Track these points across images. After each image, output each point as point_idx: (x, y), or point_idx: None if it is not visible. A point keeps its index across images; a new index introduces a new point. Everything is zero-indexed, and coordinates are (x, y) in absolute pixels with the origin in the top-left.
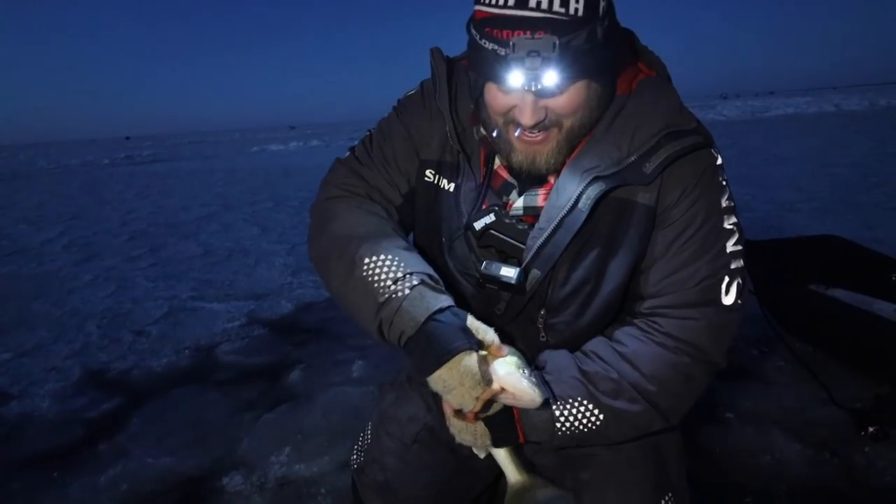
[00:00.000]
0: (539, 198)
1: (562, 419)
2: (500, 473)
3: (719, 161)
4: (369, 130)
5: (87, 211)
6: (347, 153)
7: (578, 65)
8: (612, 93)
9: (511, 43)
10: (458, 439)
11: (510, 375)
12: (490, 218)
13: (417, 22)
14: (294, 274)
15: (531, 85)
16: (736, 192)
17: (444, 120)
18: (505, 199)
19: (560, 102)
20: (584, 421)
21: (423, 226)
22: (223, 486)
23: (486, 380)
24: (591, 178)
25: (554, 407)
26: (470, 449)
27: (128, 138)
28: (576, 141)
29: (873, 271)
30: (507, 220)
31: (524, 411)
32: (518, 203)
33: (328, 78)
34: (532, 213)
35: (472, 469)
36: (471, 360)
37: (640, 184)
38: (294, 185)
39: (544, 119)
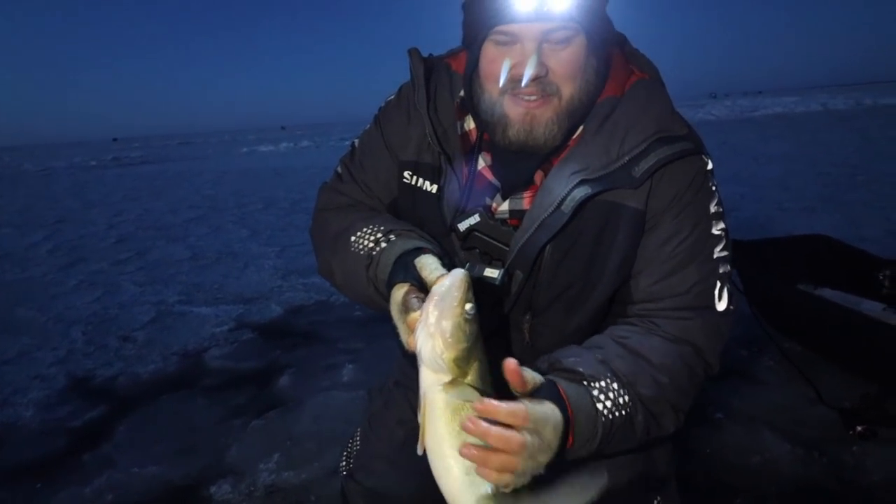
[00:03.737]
0: (524, 200)
1: (601, 398)
2: None
3: (710, 166)
4: (352, 143)
5: (74, 214)
6: (332, 175)
7: (582, 3)
8: (604, 80)
9: None
10: (418, 348)
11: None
12: (475, 219)
13: (411, 20)
14: (284, 277)
15: (541, 5)
16: (725, 191)
17: (423, 120)
18: (489, 201)
19: (561, 59)
20: (620, 402)
21: None
22: (211, 495)
23: (413, 309)
24: (577, 180)
25: (588, 384)
26: None
27: (115, 140)
28: (573, 119)
29: (860, 270)
30: (491, 222)
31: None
32: (503, 206)
33: (319, 78)
34: (517, 217)
35: None
36: (398, 292)
37: (628, 188)
38: (284, 186)
39: (546, 75)
